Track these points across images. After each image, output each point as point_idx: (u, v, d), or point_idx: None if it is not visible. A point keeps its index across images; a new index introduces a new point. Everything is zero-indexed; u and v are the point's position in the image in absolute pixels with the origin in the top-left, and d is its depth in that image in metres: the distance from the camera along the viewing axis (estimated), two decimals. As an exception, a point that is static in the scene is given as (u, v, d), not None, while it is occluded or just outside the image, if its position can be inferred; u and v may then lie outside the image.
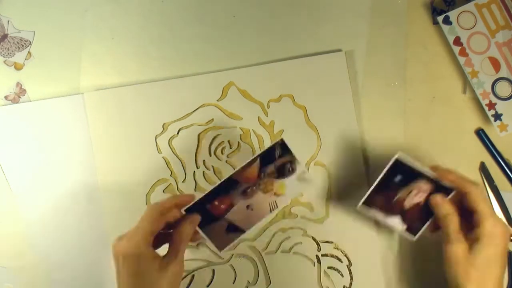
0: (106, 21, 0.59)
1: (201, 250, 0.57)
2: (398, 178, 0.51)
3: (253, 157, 0.52)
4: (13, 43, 0.59)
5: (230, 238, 0.53)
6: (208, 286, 0.57)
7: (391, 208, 0.52)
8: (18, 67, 0.59)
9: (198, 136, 0.57)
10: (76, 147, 0.58)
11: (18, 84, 0.59)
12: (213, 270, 0.57)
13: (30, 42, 0.59)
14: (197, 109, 0.57)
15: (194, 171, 0.57)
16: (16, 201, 0.58)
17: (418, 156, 0.58)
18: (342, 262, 0.57)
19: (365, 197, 0.52)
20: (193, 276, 0.57)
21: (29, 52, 0.59)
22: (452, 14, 0.56)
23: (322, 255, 0.57)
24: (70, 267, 0.57)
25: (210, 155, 0.57)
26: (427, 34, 0.59)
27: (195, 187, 0.57)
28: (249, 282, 0.57)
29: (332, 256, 0.57)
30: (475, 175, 0.58)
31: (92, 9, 0.59)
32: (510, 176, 0.58)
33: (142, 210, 0.56)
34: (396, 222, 0.52)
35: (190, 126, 0.57)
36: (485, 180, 0.58)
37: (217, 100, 0.58)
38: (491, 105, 0.56)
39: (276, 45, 0.59)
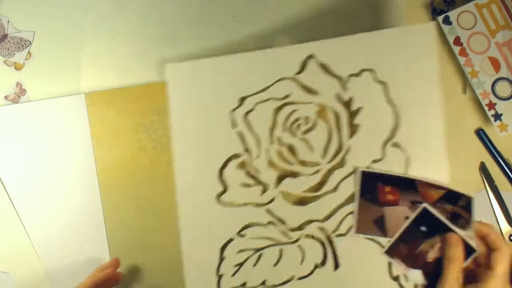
0: (106, 21, 0.59)
1: (268, 228, 0.55)
2: (423, 228, 0.50)
3: (444, 185, 0.51)
4: (13, 43, 0.59)
5: (372, 230, 0.52)
6: (275, 265, 0.55)
7: (413, 260, 0.51)
8: (18, 67, 0.59)
9: (274, 111, 0.55)
10: (77, 147, 0.58)
11: (18, 84, 0.59)
12: (281, 250, 0.55)
13: (30, 42, 0.59)
14: (274, 83, 0.55)
15: (268, 147, 0.55)
16: (15, 204, 0.58)
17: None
18: None
19: (388, 245, 0.51)
20: (260, 255, 0.55)
21: (29, 52, 0.59)
22: (452, 14, 0.56)
23: None
24: (73, 272, 0.57)
25: (285, 132, 0.55)
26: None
27: (268, 163, 0.55)
28: (316, 264, 0.55)
29: None
30: (475, 175, 0.58)
31: (92, 9, 0.59)
32: (510, 176, 0.58)
33: (215, 185, 0.54)
34: (416, 275, 0.50)
35: (266, 101, 0.55)
36: (485, 180, 0.58)
37: (295, 74, 0.55)
38: (491, 105, 0.56)
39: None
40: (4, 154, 0.58)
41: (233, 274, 0.55)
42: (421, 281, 0.50)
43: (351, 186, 0.54)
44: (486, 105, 0.56)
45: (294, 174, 0.55)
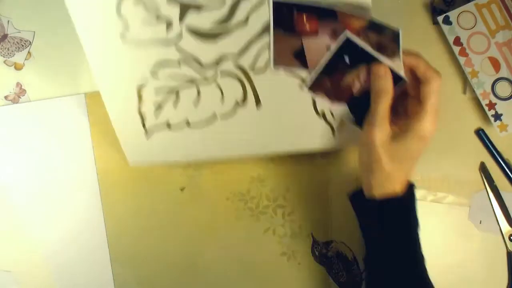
0: (106, 21, 0.59)
1: (182, 68, 0.51)
2: (347, 58, 0.46)
3: (369, 18, 0.46)
4: (13, 43, 0.59)
5: (291, 62, 0.47)
6: (195, 105, 0.52)
7: (338, 94, 0.47)
8: (18, 67, 0.59)
9: None
10: (77, 147, 0.58)
11: (18, 84, 0.59)
12: (198, 90, 0.52)
13: (30, 42, 0.59)
14: None
15: None
16: (16, 204, 0.58)
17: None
18: None
19: (312, 80, 0.48)
20: (177, 94, 0.52)
21: (29, 52, 0.59)
22: (452, 14, 0.56)
23: None
24: (74, 271, 0.57)
25: None
26: (427, 34, 0.59)
27: None
28: (237, 101, 0.52)
29: None
30: (475, 175, 0.58)
31: (92, 9, 0.59)
32: (510, 176, 0.58)
33: (116, 23, 0.49)
34: (342, 110, 0.48)
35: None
36: (485, 180, 0.58)
37: None
38: (491, 105, 0.56)
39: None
40: (4, 154, 0.58)
41: (155, 114, 0.52)
42: (348, 116, 0.48)
43: (263, 19, 0.49)
44: (486, 105, 0.56)
45: (197, 7, 0.49)
